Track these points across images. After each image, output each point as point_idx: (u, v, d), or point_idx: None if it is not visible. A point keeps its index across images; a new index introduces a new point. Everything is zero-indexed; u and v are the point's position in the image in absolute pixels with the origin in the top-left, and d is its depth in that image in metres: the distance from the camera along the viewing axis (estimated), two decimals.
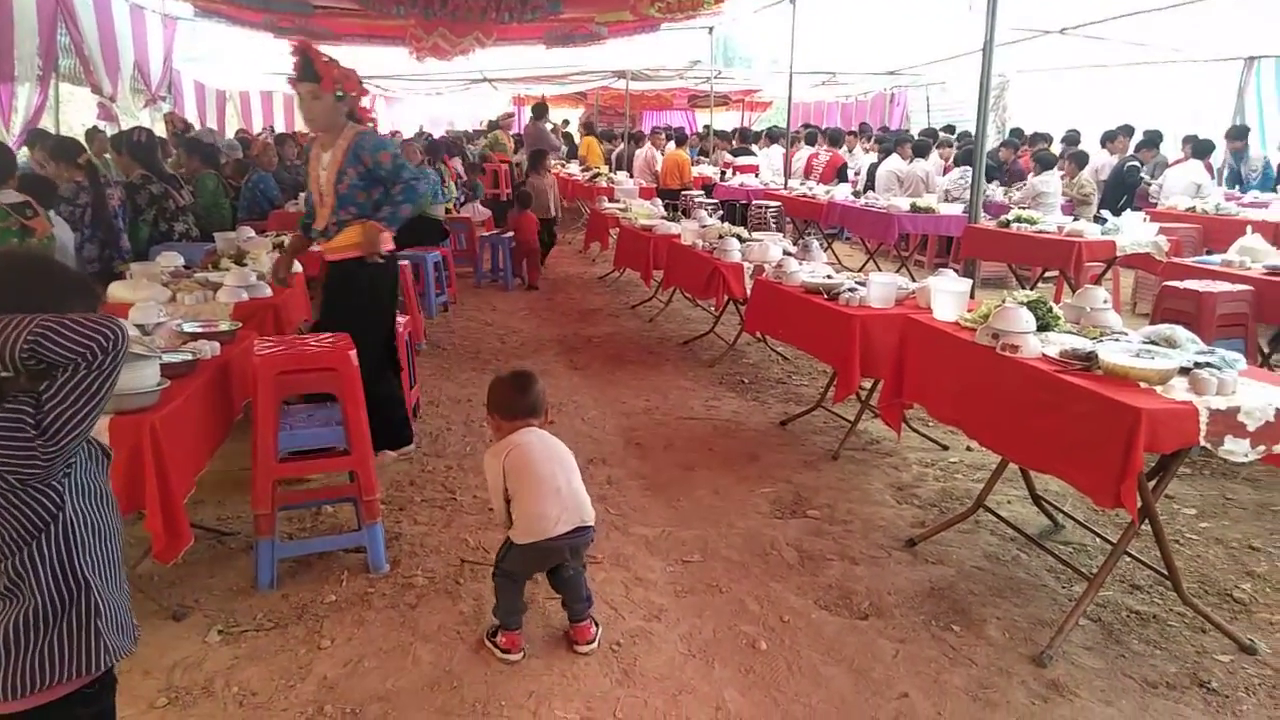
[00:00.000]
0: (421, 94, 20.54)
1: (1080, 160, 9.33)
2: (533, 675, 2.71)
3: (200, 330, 3.52)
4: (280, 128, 16.80)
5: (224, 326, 3.64)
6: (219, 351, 3.38)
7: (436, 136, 15.06)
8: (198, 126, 12.28)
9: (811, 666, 2.77)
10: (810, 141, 13.71)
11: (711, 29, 12.65)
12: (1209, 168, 9.96)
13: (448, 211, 9.05)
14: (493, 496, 2.86)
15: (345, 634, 2.92)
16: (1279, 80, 11.15)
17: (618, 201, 10.20)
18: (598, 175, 12.88)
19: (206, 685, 2.65)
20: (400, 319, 4.77)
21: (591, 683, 2.69)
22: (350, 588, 3.20)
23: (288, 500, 3.54)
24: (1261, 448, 2.62)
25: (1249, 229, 5.83)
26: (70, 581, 1.56)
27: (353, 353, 3.29)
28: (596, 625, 2.90)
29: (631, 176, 13.04)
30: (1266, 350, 5.15)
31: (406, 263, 6.53)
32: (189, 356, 3.16)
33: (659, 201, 10.21)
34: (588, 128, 16.68)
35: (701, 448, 4.68)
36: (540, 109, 12.74)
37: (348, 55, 12.07)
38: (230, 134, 14.85)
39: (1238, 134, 10.27)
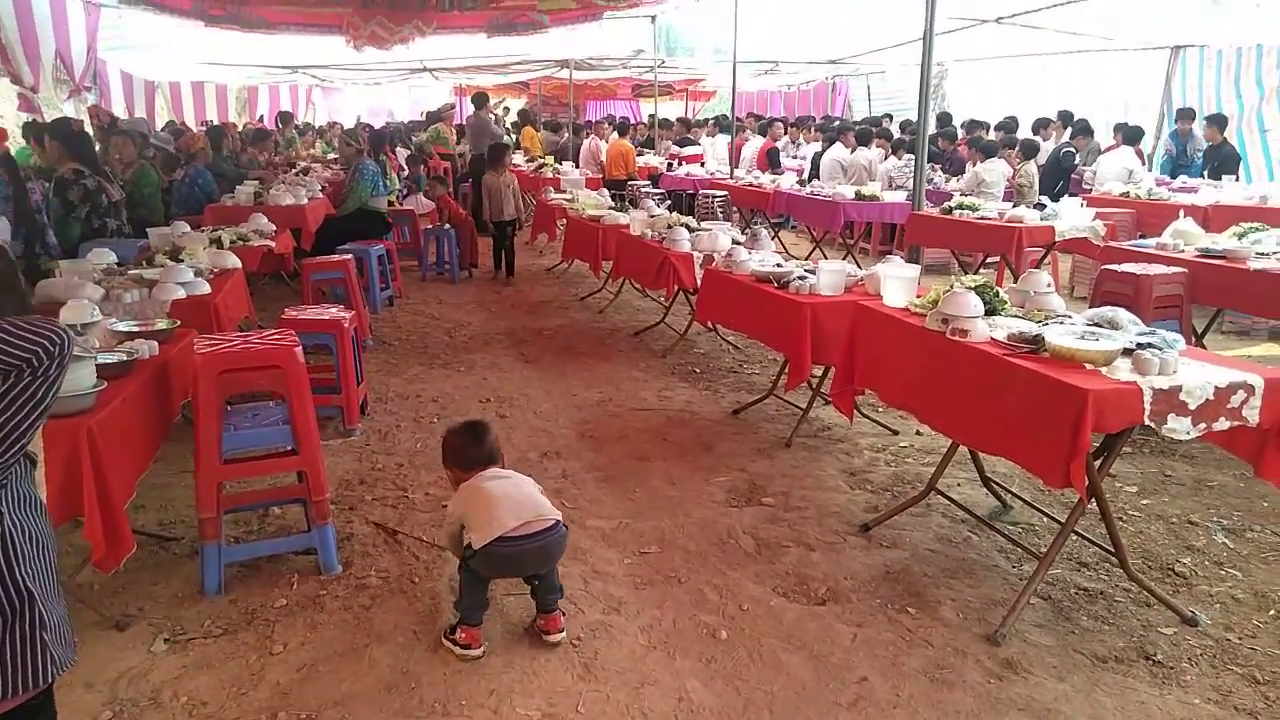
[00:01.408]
0: (360, 84, 20.13)
1: (1029, 150, 9.56)
2: (492, 673, 2.68)
3: (137, 329, 3.40)
4: (215, 120, 16.32)
5: (161, 325, 3.52)
6: (157, 351, 3.26)
7: (376, 127, 14.79)
8: (123, 119, 11.86)
9: (772, 654, 2.78)
10: (762, 133, 13.77)
11: (654, 18, 12.59)
12: (1139, 154, 10.24)
13: (390, 204, 8.88)
14: (446, 529, 2.96)
15: (298, 638, 2.85)
16: (1201, 69, 11.53)
17: (564, 192, 10.12)
18: (543, 166, 12.77)
19: (154, 696, 2.56)
20: (345, 314, 4.67)
21: (552, 678, 2.66)
22: (301, 590, 3.13)
23: (234, 502, 3.44)
24: (1202, 425, 2.69)
25: (1181, 213, 6.01)
26: (13, 594, 1.50)
27: (298, 350, 3.21)
28: (564, 615, 2.88)
29: (577, 167, 12.96)
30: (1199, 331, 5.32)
31: (350, 256, 6.41)
32: (125, 357, 3.04)
33: (605, 192, 10.17)
34: (524, 117, 16.50)
35: (655, 438, 4.67)
36: (481, 99, 12.57)
37: (283, 44, 11.77)
38: (160, 126, 14.40)
39: (1184, 116, 10.38)
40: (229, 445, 3.19)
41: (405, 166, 11.38)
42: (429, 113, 16.09)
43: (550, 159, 13.45)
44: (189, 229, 5.95)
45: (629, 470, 4.25)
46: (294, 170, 11.03)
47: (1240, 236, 5.19)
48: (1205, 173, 9.78)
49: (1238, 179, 9.13)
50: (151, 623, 2.93)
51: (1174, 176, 9.98)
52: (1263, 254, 4.83)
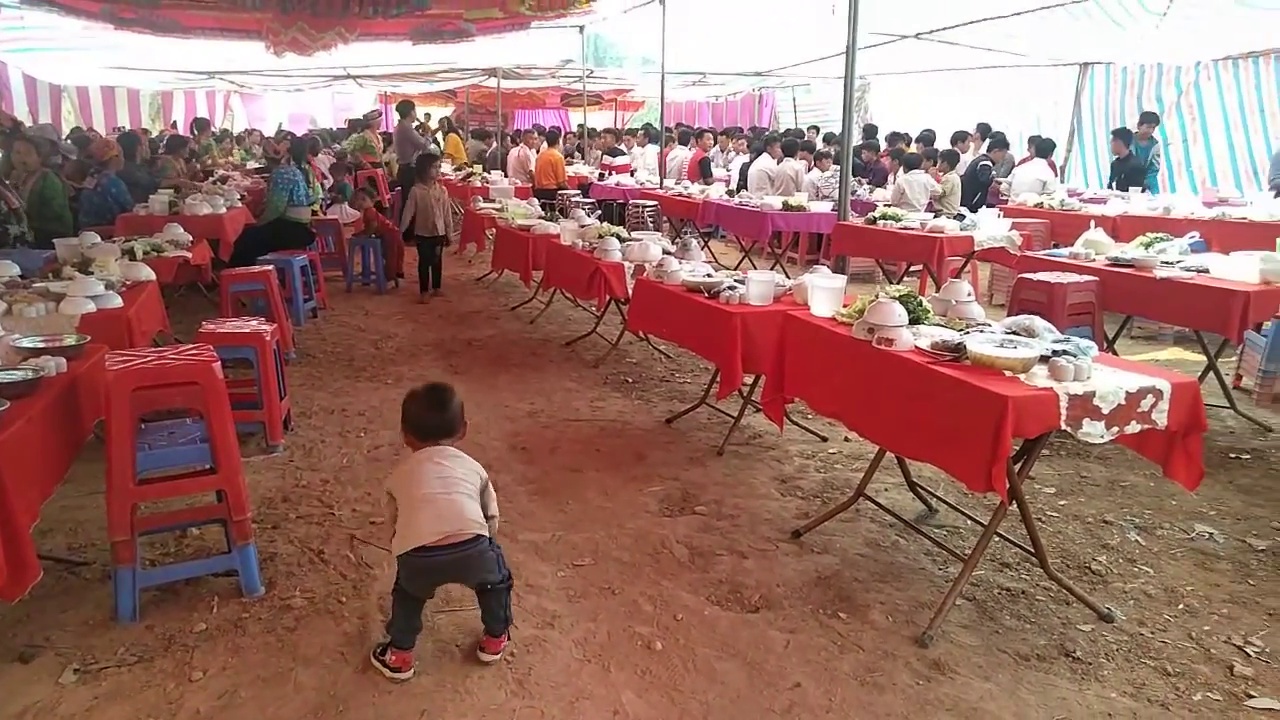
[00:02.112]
0: (281, 90, 19.68)
1: (952, 160, 9.85)
2: (423, 693, 2.62)
3: (42, 345, 3.24)
4: (126, 126, 15.73)
5: (70, 341, 3.36)
6: (65, 368, 3.12)
7: (299, 135, 14.46)
8: (28, 124, 11.36)
9: (706, 663, 2.79)
10: (684, 142, 13.91)
11: (582, 28, 12.62)
12: (1052, 165, 10.62)
13: (314, 213, 8.67)
14: (385, 502, 2.82)
15: (219, 664, 2.74)
16: (1108, 85, 12.07)
17: (493, 201, 10.05)
18: (471, 175, 12.66)
19: None
20: (266, 327, 4.54)
21: (485, 696, 2.62)
22: (222, 614, 3.02)
23: (149, 524, 3.30)
24: (1115, 429, 2.80)
25: (1092, 223, 6.26)
26: None
27: (217, 365, 3.10)
28: (509, 640, 2.85)
29: (505, 176, 12.89)
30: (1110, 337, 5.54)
31: (271, 267, 6.24)
32: (30, 375, 2.90)
33: (535, 201, 10.13)
34: (447, 124, 16.34)
35: (588, 449, 4.65)
36: (405, 107, 12.40)
37: (199, 48, 11.42)
38: (65, 132, 13.82)
39: (1147, 119, 10.36)
40: (144, 465, 3.07)
41: (329, 175, 11.15)
42: (351, 120, 15.82)
43: (479, 168, 13.34)
44: (99, 240, 5.71)
45: (562, 482, 4.22)
46: (211, 179, 10.70)
47: (1147, 246, 5.42)
48: (1113, 184, 10.18)
49: (1143, 190, 9.53)
50: (60, 653, 2.78)
51: (1128, 184, 9.79)
52: (1167, 263, 5.05)
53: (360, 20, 9.40)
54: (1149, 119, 10.40)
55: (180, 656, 2.77)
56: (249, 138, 17.50)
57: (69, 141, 11.56)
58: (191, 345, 3.39)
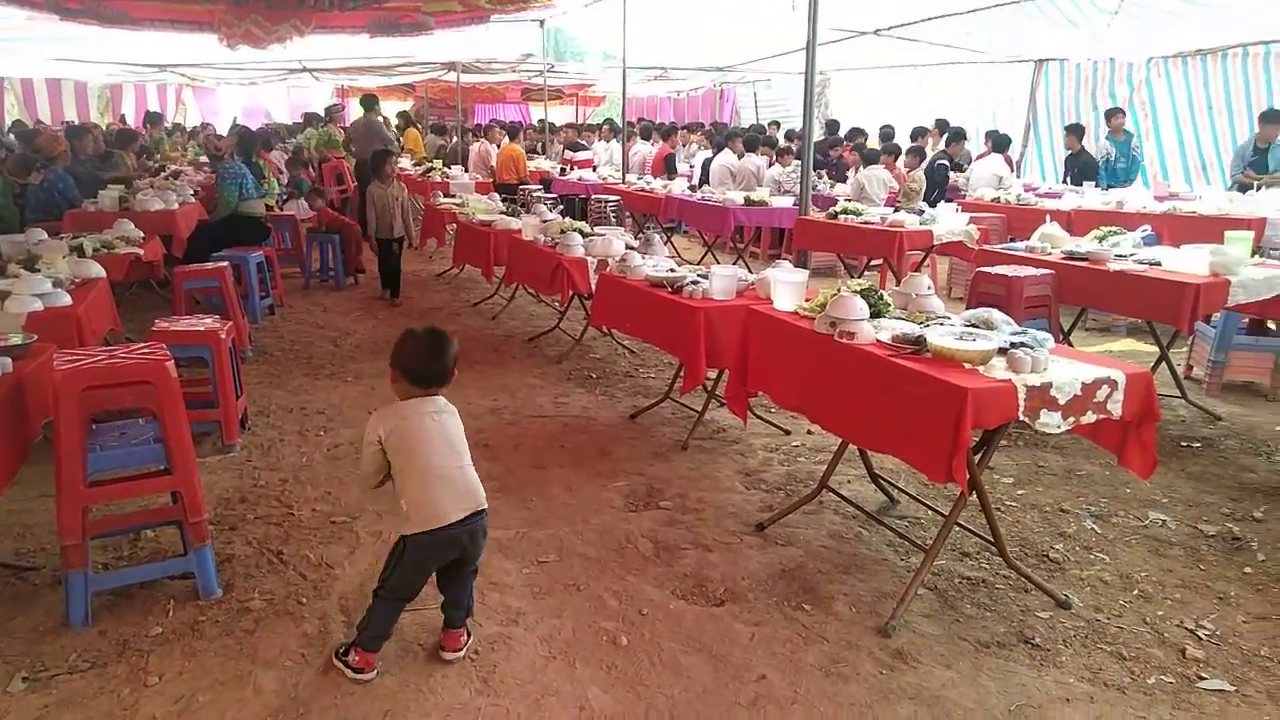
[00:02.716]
0: (235, 84, 19.31)
1: (920, 156, 9.95)
2: (386, 693, 2.59)
3: None
4: (74, 120, 15.34)
5: (15, 340, 3.27)
6: (10, 368, 3.03)
7: (254, 129, 14.19)
8: None
9: (672, 657, 2.79)
10: (645, 136, 13.90)
11: (543, 22, 12.53)
12: (1009, 160, 10.77)
13: (269, 209, 8.50)
14: (364, 450, 2.68)
15: (175, 668, 2.69)
16: (1062, 81, 12.28)
17: (454, 196, 9.95)
18: (431, 169, 12.53)
19: None
20: (222, 325, 4.45)
21: (449, 695, 2.60)
22: (178, 617, 2.95)
23: (101, 527, 3.22)
24: (1071, 419, 2.84)
25: (1047, 218, 6.35)
26: None
27: (170, 364, 3.03)
28: (469, 634, 2.82)
29: (466, 171, 12.78)
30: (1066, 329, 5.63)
31: (226, 264, 6.12)
32: None
33: (496, 196, 10.04)
34: (405, 119, 16.14)
35: (552, 445, 4.63)
36: (369, 101, 12.23)
37: (150, 40, 11.14)
38: (8, 125, 13.44)
39: (1116, 114, 10.24)
40: (95, 466, 2.99)
41: (284, 170, 10.95)
42: (307, 114, 15.57)
43: (438, 163, 13.20)
44: (46, 236, 5.56)
45: (526, 479, 4.19)
46: (163, 174, 10.47)
47: (1100, 239, 5.51)
48: (1067, 179, 10.35)
49: (1097, 185, 9.70)
50: (8, 660, 2.71)
51: (1116, 181, 9.68)
52: (1121, 256, 5.15)
53: (316, 13, 9.23)
54: (1117, 113, 10.32)
55: (135, 661, 2.71)
56: (202, 132, 17.15)
57: (11, 136, 11.25)
58: (144, 344, 3.31)
